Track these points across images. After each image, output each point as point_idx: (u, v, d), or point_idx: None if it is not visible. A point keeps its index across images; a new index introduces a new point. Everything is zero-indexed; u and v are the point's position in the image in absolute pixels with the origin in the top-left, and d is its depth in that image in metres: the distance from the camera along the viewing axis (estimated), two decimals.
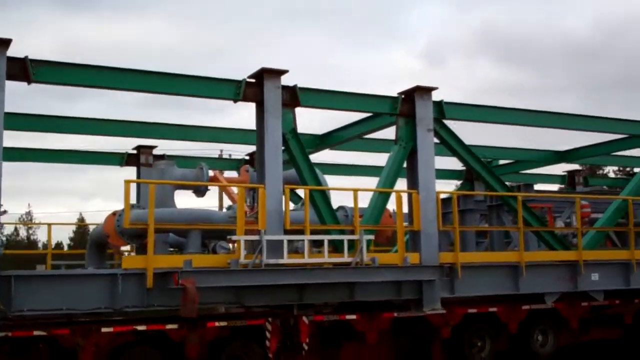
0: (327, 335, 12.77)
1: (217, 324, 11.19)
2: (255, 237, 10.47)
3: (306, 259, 10.78)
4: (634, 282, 14.29)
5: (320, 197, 11.52)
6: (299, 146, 11.43)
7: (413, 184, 12.24)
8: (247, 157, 17.73)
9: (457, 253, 12.31)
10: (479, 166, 12.99)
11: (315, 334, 12.28)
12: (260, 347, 11.60)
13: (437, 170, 12.89)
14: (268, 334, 11.50)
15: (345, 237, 11.18)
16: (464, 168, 18.36)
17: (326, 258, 10.95)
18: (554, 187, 23.29)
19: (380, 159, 15.78)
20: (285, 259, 10.59)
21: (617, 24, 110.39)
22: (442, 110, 12.62)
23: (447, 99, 12.65)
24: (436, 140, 12.68)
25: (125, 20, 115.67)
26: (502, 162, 20.22)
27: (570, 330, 15.06)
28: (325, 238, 11.05)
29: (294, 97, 11.43)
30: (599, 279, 13.91)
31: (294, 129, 11.39)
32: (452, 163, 17.85)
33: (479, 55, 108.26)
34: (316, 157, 15.28)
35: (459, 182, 21.23)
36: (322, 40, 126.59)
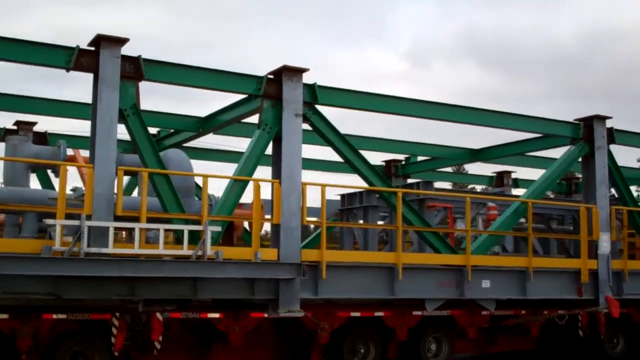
0: (197, 335, 11.85)
1: (54, 316, 10.20)
2: (75, 223, 9.29)
3: (136, 250, 9.59)
4: (530, 292, 13.23)
5: (164, 182, 10.33)
6: (140, 125, 10.25)
7: (277, 172, 11.10)
8: None
9: (322, 250, 11.17)
10: (354, 157, 11.85)
11: (182, 333, 11.56)
12: (104, 344, 10.61)
13: None
14: (114, 330, 10.47)
15: (186, 227, 10.01)
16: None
17: (161, 249, 9.78)
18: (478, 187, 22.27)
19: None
20: (110, 249, 9.41)
21: (600, 34, 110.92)
22: (314, 94, 11.49)
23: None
24: (308, 127, 11.59)
25: None
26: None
27: (469, 340, 14.04)
28: (161, 227, 9.87)
29: (138, 69, 10.25)
30: (491, 287, 12.83)
31: (136, 105, 10.21)
32: None
33: (464, 59, 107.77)
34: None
35: None
36: (305, 34, 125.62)
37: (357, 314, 12.68)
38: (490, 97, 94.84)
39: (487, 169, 22.91)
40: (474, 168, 23.28)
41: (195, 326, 11.68)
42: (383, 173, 19.70)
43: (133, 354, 11.18)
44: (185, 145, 15.38)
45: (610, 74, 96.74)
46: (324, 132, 11.62)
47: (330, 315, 12.30)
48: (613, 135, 14.71)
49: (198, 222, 10.18)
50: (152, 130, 15.74)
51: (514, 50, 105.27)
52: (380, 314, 12.79)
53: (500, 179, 21.68)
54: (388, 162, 19.97)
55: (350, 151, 11.80)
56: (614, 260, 14.43)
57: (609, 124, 14.59)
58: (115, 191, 9.80)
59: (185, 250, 9.86)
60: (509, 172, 21.55)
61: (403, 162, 19.85)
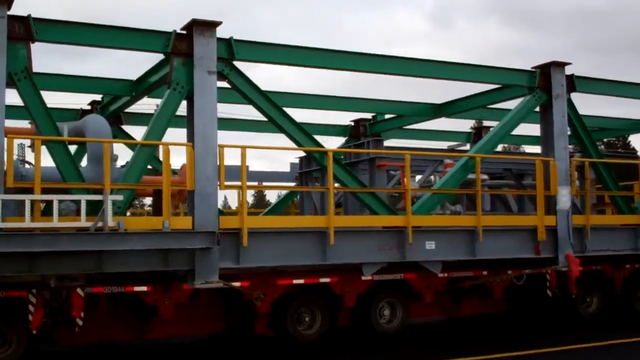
0: (133, 309, 11.35)
1: None
2: None
3: (28, 223, 8.96)
4: (480, 252, 12.46)
5: (61, 150, 9.65)
6: (33, 89, 9.55)
7: (191, 135, 10.37)
8: (89, 107, 15.77)
9: (243, 217, 10.47)
10: (279, 116, 11.07)
11: (117, 307, 11.18)
12: (22, 322, 10.12)
13: None
14: (31, 308, 9.98)
15: (83, 197, 9.34)
16: None
17: (56, 222, 9.13)
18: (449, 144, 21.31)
19: None
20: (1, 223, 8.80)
21: None
22: (231, 50, 10.68)
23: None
24: (226, 85, 10.82)
25: None
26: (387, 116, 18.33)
27: (426, 304, 13.39)
28: (55, 198, 9.20)
29: (28, 29, 9.51)
30: (436, 248, 12.08)
31: (28, 69, 9.49)
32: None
33: (487, 17, 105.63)
34: None
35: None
36: None
37: (300, 281, 12.06)
38: (515, 54, 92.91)
39: (466, 125, 22.00)
40: (452, 124, 22.28)
41: (129, 300, 11.11)
42: (352, 133, 19.07)
43: (54, 332, 10.71)
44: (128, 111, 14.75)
45: (637, 28, 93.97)
46: (243, 90, 10.84)
47: (270, 284, 11.70)
48: (574, 83, 13.75)
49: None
50: (97, 96, 15.20)
51: (537, 5, 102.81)
52: (326, 280, 12.13)
53: (479, 135, 20.72)
54: (357, 122, 19.17)
55: (274, 110, 11.01)
56: (576, 215, 13.62)
57: (569, 70, 13.64)
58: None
59: (83, 222, 9.22)
60: (488, 128, 20.61)
61: (371, 121, 19.03)
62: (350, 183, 11.49)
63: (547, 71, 13.38)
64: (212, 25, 10.41)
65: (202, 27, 10.36)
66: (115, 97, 14.40)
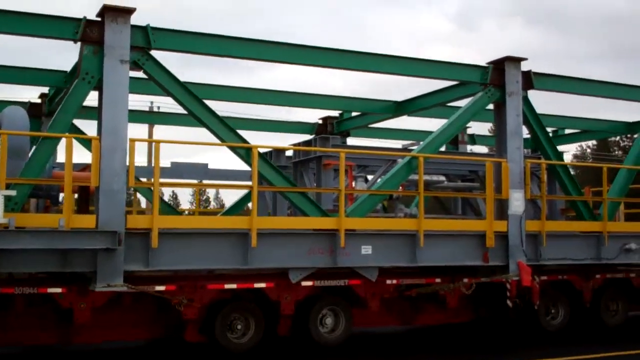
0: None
1: None
2: None
3: None
4: (422, 258, 11.72)
5: None
6: None
7: (99, 127, 9.73)
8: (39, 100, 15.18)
9: (153, 216, 9.80)
10: (199, 109, 10.38)
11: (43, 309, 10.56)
12: None
13: None
14: None
15: None
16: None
17: None
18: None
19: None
20: None
21: None
22: (148, 38, 10.03)
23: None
24: (142, 75, 10.17)
25: None
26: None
27: (371, 312, 12.65)
28: None
29: None
30: (373, 254, 11.35)
31: None
32: None
33: (512, 19, 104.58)
34: None
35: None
36: None
37: (233, 286, 11.37)
38: (538, 57, 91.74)
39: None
40: (423, 124, 21.50)
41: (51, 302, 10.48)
42: (319, 131, 18.40)
43: None
44: None
45: None
46: (160, 81, 10.17)
47: (198, 288, 11.04)
48: (531, 80, 12.96)
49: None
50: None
51: (562, 9, 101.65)
52: (261, 285, 11.44)
53: (455, 137, 19.98)
54: (324, 119, 18.50)
55: (194, 102, 10.33)
56: (531, 221, 12.85)
57: (526, 66, 12.86)
58: None
59: None
60: (465, 127, 19.84)
61: (338, 119, 18.34)
62: (278, 182, 10.79)
63: (501, 67, 12.62)
64: (126, 12, 9.76)
65: (114, 13, 9.71)
66: (58, 90, 13.81)
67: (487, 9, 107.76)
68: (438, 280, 12.78)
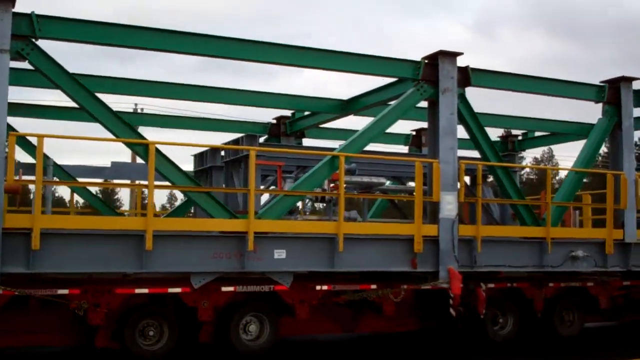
0: None
1: None
2: None
3: None
4: (341, 264, 11.02)
5: None
6: None
7: None
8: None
9: (35, 215, 9.15)
10: (91, 103, 9.72)
11: None
12: None
13: None
14: None
15: None
16: None
17: None
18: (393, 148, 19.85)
19: None
20: None
21: None
22: (33, 26, 9.39)
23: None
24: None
25: None
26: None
27: (301, 320, 11.96)
28: None
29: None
30: (287, 258, 10.65)
31: None
32: None
33: (531, 28, 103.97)
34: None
35: None
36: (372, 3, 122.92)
37: (144, 291, 10.74)
38: (559, 65, 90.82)
39: (408, 126, 20.52)
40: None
41: None
42: (272, 131, 17.77)
43: None
44: None
45: None
46: (47, 73, 9.52)
47: (105, 293, 10.42)
48: (468, 76, 12.25)
49: None
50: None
51: (582, 17, 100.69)
52: (176, 290, 10.78)
53: (419, 137, 19.29)
54: (278, 119, 17.85)
55: (86, 96, 9.68)
56: (464, 225, 12.12)
57: (462, 62, 12.15)
58: None
59: None
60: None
61: (291, 119, 17.69)
62: (179, 181, 10.11)
63: (434, 62, 11.91)
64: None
65: None
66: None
67: (504, 17, 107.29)
68: (374, 286, 12.08)
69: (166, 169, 9.96)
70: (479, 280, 12.76)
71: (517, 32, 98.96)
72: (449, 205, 11.67)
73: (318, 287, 11.76)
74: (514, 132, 20.52)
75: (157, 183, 10.00)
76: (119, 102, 34.35)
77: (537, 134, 20.00)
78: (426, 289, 11.92)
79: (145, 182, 10.19)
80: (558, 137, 19.77)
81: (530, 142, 20.41)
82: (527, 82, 13.13)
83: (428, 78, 11.88)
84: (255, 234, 10.32)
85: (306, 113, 17.16)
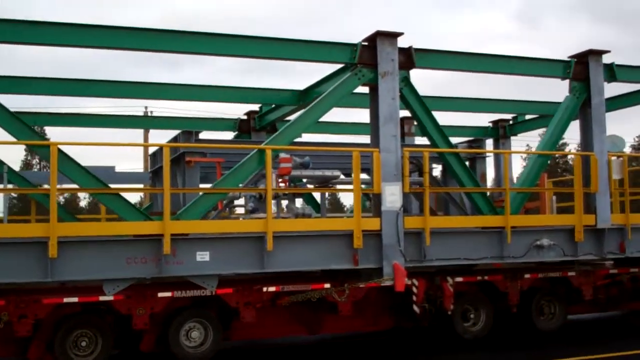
0: None
1: None
2: None
3: None
4: (272, 264, 10.34)
5: None
6: None
7: None
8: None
9: None
10: None
11: None
12: None
13: None
14: None
15: None
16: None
17: None
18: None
19: None
20: None
21: None
22: None
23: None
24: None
25: None
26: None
27: (251, 324, 11.36)
28: None
29: None
30: (210, 260, 10.02)
31: None
32: None
33: (576, 15, 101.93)
34: None
35: None
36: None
37: (74, 300, 10.25)
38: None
39: None
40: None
41: None
42: (241, 127, 17.17)
43: None
44: None
45: None
46: None
47: (31, 302, 9.97)
48: (412, 58, 11.43)
49: None
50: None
51: (627, 2, 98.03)
52: (109, 298, 10.24)
53: (401, 127, 18.42)
54: (248, 114, 17.23)
55: None
56: (411, 217, 11.33)
57: (404, 42, 11.33)
58: None
59: None
60: (410, 119, 18.27)
61: (259, 113, 17.04)
62: (86, 183, 9.52)
63: (373, 44, 11.13)
64: None
65: None
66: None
67: (549, 6, 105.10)
68: (327, 285, 11.40)
69: (71, 169, 9.40)
70: (446, 274, 12.07)
71: (561, 21, 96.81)
72: (391, 197, 10.90)
73: (265, 289, 11.14)
74: (505, 116, 19.57)
75: (65, 186, 9.41)
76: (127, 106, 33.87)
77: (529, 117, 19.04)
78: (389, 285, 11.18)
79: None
80: (549, 119, 18.74)
81: (521, 126, 19.38)
82: (483, 60, 12.24)
83: (366, 62, 11.12)
84: (175, 236, 9.71)
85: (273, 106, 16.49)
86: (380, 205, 10.90)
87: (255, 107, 16.88)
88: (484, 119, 17.84)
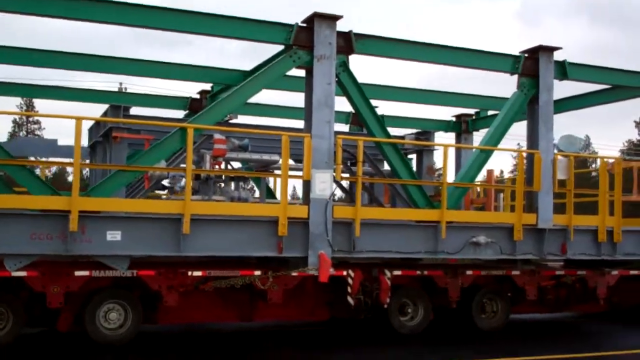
0: None
1: None
2: None
3: None
4: (187, 247, 9.94)
5: None
6: None
7: None
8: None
9: None
10: None
11: None
12: None
13: None
14: None
15: None
16: None
17: None
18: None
19: None
20: None
21: None
22: None
23: None
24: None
25: None
26: None
27: (168, 308, 10.95)
28: None
29: None
30: (122, 240, 9.60)
31: None
32: None
33: (575, 16, 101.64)
34: None
35: None
36: None
37: None
38: (603, 53, 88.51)
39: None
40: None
41: None
42: (192, 106, 16.71)
43: None
44: None
45: None
46: None
47: None
48: (351, 43, 11.01)
49: None
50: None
51: (627, 5, 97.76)
52: (22, 274, 9.80)
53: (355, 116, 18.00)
54: (201, 93, 16.80)
55: None
56: (341, 207, 10.95)
57: (344, 26, 10.92)
58: None
59: None
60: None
61: (211, 92, 16.58)
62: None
63: (310, 26, 10.70)
64: None
65: None
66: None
67: (549, 6, 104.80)
68: (258, 272, 11.02)
69: None
70: (384, 267, 11.73)
71: (562, 20, 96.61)
72: (321, 185, 10.52)
73: (190, 273, 10.74)
74: (468, 111, 19.23)
75: None
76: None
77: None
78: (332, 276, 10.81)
79: None
80: None
81: (483, 121, 19.04)
82: (427, 50, 11.83)
83: (303, 44, 10.70)
84: (85, 213, 9.28)
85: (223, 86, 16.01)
86: (310, 193, 10.50)
87: (208, 86, 16.45)
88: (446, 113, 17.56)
